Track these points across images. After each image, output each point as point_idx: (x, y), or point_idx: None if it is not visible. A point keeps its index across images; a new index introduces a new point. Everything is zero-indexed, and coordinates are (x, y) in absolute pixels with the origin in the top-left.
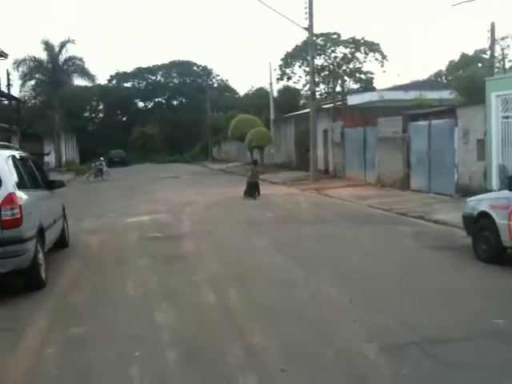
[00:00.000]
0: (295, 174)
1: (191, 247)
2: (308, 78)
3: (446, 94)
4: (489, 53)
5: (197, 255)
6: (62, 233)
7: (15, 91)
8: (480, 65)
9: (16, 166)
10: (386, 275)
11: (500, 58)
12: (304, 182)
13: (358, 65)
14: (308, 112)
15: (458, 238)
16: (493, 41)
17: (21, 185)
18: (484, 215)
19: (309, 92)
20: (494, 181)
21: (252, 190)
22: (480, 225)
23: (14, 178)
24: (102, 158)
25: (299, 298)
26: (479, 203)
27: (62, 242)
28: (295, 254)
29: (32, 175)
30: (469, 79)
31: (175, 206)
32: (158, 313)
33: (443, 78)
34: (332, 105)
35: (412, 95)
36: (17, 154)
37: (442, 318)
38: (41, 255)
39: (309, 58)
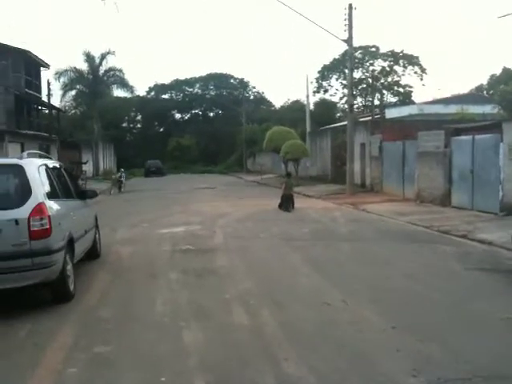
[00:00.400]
0: (330, 187)
1: (223, 262)
2: (345, 91)
3: (488, 109)
4: None
5: (229, 270)
6: (93, 243)
7: (56, 101)
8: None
9: (48, 176)
10: (432, 300)
11: None
12: (340, 195)
13: (396, 78)
14: (345, 125)
15: (505, 260)
16: None
17: (52, 194)
18: None
19: (346, 105)
20: None
21: (287, 203)
22: None
23: (45, 187)
24: (122, 170)
25: (337, 323)
26: None
27: (93, 253)
28: (332, 274)
29: (64, 185)
30: None
31: (209, 217)
32: (187, 334)
33: (484, 92)
34: (370, 118)
35: (453, 109)
36: (49, 162)
37: (498, 350)
38: (69, 267)
39: (347, 70)
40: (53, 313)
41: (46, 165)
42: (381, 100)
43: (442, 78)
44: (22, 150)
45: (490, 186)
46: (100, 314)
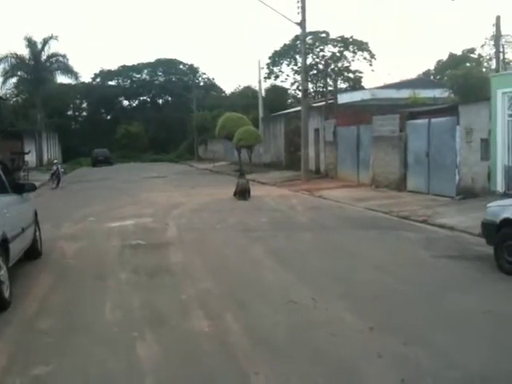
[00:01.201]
0: (285, 173)
1: (178, 258)
2: (296, 76)
3: (438, 93)
4: (477, 53)
5: (185, 268)
6: (33, 242)
7: None
8: (468, 64)
9: None
10: (406, 294)
11: (488, 57)
12: (295, 182)
13: (346, 64)
14: (298, 110)
15: (471, 246)
16: (498, 36)
17: None
18: (509, 223)
19: (297, 91)
20: (499, 182)
21: (243, 192)
22: (504, 233)
23: None
24: (55, 161)
25: (308, 325)
26: (503, 210)
27: (33, 252)
28: (297, 267)
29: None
30: (464, 78)
31: (161, 208)
32: (141, 346)
33: (431, 77)
34: (323, 103)
35: (404, 94)
36: None
37: (488, 351)
38: (3, 271)
39: (298, 56)
40: None
41: None
42: (334, 85)
43: (391, 64)
44: None
45: (446, 170)
46: (40, 325)
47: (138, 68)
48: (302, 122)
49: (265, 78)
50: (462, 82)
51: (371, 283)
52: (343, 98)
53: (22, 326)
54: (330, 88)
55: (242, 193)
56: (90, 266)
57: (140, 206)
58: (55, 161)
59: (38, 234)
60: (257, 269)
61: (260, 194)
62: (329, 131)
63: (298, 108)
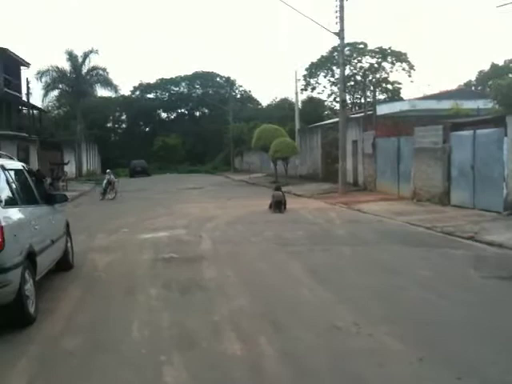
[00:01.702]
0: (321, 186)
1: (212, 273)
2: (333, 88)
3: (481, 104)
4: None
5: (218, 284)
6: (64, 254)
7: (38, 101)
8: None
9: (5, 179)
10: (457, 319)
11: None
12: (332, 195)
13: (384, 75)
14: (335, 122)
15: None
16: None
17: (8, 201)
18: None
19: (333, 102)
20: None
21: (278, 204)
22: None
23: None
24: (108, 170)
25: (352, 353)
26: None
27: (65, 264)
28: (337, 285)
29: (26, 189)
30: (509, 87)
31: (195, 220)
32: (168, 371)
33: (473, 88)
34: (362, 114)
35: (445, 105)
36: (7, 163)
37: None
38: (29, 285)
39: (335, 67)
40: (7, 343)
41: (1, 166)
42: (373, 96)
43: (430, 75)
44: None
45: (492, 183)
46: (65, 343)
47: (175, 81)
48: (340, 134)
49: (301, 89)
50: (507, 91)
51: (418, 306)
52: (382, 109)
53: (46, 344)
54: (368, 99)
55: (278, 205)
56: (121, 280)
57: (174, 217)
58: (108, 170)
59: (69, 245)
60: (294, 286)
61: (296, 206)
62: (367, 143)
63: (336, 119)
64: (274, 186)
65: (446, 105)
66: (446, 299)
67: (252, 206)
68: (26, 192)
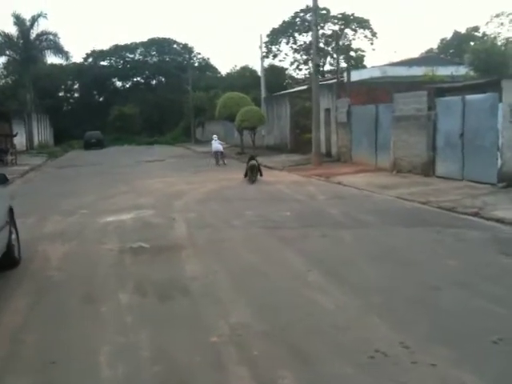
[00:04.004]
0: (291, 157)
1: (195, 269)
2: (296, 55)
3: (452, 70)
4: (481, 31)
5: (206, 286)
6: (7, 248)
7: None
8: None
9: None
10: None
11: (493, 35)
12: (305, 166)
13: (346, 42)
14: (303, 90)
15: None
16: None
17: None
18: None
19: (296, 70)
20: None
21: (253, 169)
22: None
23: None
24: (214, 136)
25: None
26: None
27: (8, 261)
28: (353, 284)
29: None
30: (486, 53)
31: (162, 198)
32: None
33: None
34: (334, 80)
35: (417, 71)
36: None
37: None
38: None
39: (297, 33)
40: None
41: None
42: (347, 62)
43: (391, 43)
44: None
45: (484, 153)
46: None
47: (130, 48)
48: (314, 101)
49: (263, 57)
50: (485, 57)
51: (472, 314)
52: (352, 76)
53: None
54: (332, 67)
55: (253, 170)
56: (80, 281)
57: (138, 195)
58: (214, 136)
59: (13, 237)
60: (302, 288)
61: (270, 179)
62: (342, 111)
63: (304, 87)
64: (247, 156)
65: (418, 71)
66: (488, 300)
67: (222, 181)
68: None
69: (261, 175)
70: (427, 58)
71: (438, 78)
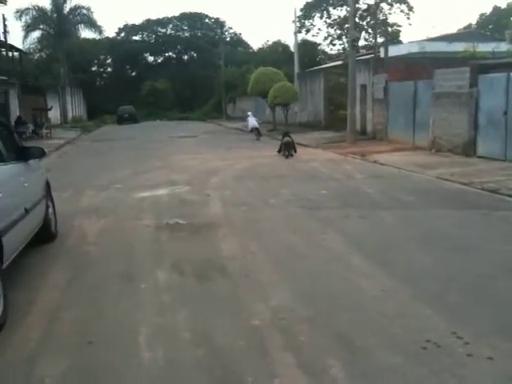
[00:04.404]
0: (325, 134)
1: (232, 248)
2: (330, 30)
3: (491, 47)
4: None
5: (245, 266)
6: (44, 222)
7: (19, 43)
8: None
9: None
10: None
11: None
12: (340, 144)
13: (382, 17)
14: (338, 65)
15: None
16: None
17: None
18: None
19: (330, 45)
20: None
21: (288, 145)
22: None
23: None
24: (249, 113)
25: None
26: None
27: (45, 235)
28: (403, 271)
29: None
30: None
31: (197, 174)
32: None
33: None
34: (371, 56)
35: (457, 47)
36: None
37: None
38: None
39: (331, 7)
40: None
41: None
42: (385, 37)
43: (428, 18)
44: None
45: None
46: (41, 371)
47: (162, 22)
48: (350, 77)
49: (296, 31)
50: None
51: None
52: (389, 52)
53: (14, 374)
54: (366, 42)
55: (287, 146)
56: (117, 258)
57: (172, 171)
58: (249, 112)
59: (50, 211)
60: (345, 272)
61: (305, 157)
62: (378, 87)
63: (338, 62)
64: (281, 133)
65: (458, 47)
66: None
67: (256, 158)
68: None
69: (295, 151)
70: (467, 34)
71: (479, 54)
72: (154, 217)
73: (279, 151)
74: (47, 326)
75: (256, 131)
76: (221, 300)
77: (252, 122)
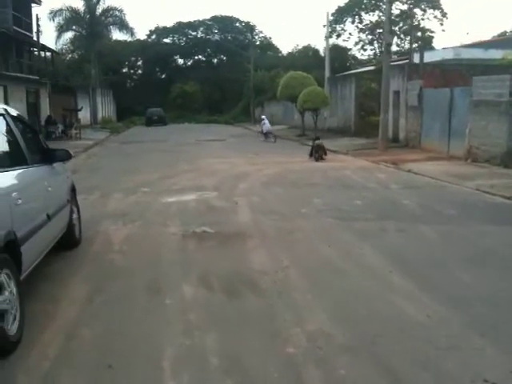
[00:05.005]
0: (355, 141)
1: (262, 261)
2: (361, 35)
3: None
4: None
5: (276, 282)
6: (68, 227)
7: (52, 43)
8: None
9: None
10: None
11: None
12: (371, 151)
13: (415, 22)
14: (369, 71)
15: None
16: None
17: None
18: None
19: (361, 50)
20: None
21: (318, 151)
22: None
23: None
24: (263, 116)
25: None
26: None
27: (68, 241)
28: (449, 293)
29: (8, 144)
30: None
31: (225, 179)
32: None
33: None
34: (405, 61)
35: (494, 54)
36: None
37: None
38: (8, 293)
39: (363, 12)
40: None
41: None
42: (419, 43)
43: (460, 25)
44: (5, 94)
45: None
46: None
47: (193, 25)
48: (384, 82)
49: (325, 36)
50: None
51: None
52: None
53: None
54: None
55: (319, 149)
56: (142, 268)
57: (200, 175)
58: (263, 116)
59: (75, 216)
60: (387, 293)
61: (336, 164)
62: (413, 93)
63: (369, 68)
64: (312, 138)
65: (495, 54)
66: None
67: (286, 164)
68: (8, 148)
69: (325, 154)
70: (504, 41)
71: None
72: (181, 224)
73: (311, 155)
74: (65, 345)
75: (271, 134)
76: (252, 321)
77: (267, 125)
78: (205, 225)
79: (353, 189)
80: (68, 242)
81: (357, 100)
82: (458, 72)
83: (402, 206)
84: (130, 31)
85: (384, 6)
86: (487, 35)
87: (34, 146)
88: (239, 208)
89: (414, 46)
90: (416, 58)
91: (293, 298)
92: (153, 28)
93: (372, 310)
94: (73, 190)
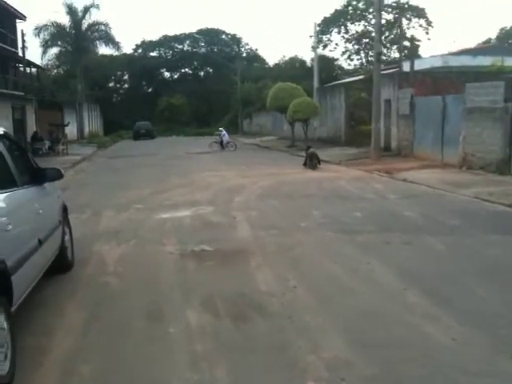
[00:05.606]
0: (346, 150)
1: (268, 280)
2: (347, 45)
3: None
4: None
5: (285, 304)
6: (60, 250)
7: (37, 59)
8: None
9: None
10: None
11: None
12: (363, 161)
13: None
14: (358, 80)
15: None
16: None
17: None
18: None
19: (348, 60)
20: None
21: (312, 160)
22: None
23: None
24: (220, 129)
25: None
26: None
27: (61, 264)
28: (469, 311)
29: (1, 165)
30: None
31: (219, 193)
32: None
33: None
34: (395, 69)
35: (482, 61)
36: None
37: None
38: None
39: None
40: None
41: None
42: (409, 51)
43: (446, 33)
44: None
45: None
46: None
47: (179, 38)
48: (374, 91)
49: (312, 47)
50: None
51: None
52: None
53: None
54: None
55: (313, 158)
56: (139, 292)
57: (193, 190)
58: (221, 128)
59: (67, 238)
60: (405, 313)
61: (330, 175)
62: (404, 102)
63: (358, 77)
64: (304, 148)
65: (483, 61)
66: None
67: (278, 175)
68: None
69: (319, 163)
70: (490, 48)
71: (508, 68)
72: (178, 242)
73: (305, 164)
74: (61, 383)
75: (231, 143)
76: (264, 349)
77: (226, 136)
78: (203, 242)
79: (350, 200)
80: (61, 265)
81: (347, 110)
82: (448, 79)
83: (402, 216)
84: (117, 45)
85: (370, 16)
86: (472, 43)
87: (23, 165)
88: (237, 224)
89: (402, 54)
90: (405, 67)
91: (304, 322)
92: (139, 42)
93: (391, 333)
94: (64, 209)
